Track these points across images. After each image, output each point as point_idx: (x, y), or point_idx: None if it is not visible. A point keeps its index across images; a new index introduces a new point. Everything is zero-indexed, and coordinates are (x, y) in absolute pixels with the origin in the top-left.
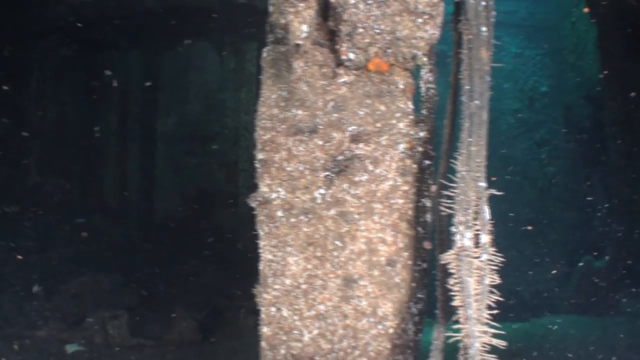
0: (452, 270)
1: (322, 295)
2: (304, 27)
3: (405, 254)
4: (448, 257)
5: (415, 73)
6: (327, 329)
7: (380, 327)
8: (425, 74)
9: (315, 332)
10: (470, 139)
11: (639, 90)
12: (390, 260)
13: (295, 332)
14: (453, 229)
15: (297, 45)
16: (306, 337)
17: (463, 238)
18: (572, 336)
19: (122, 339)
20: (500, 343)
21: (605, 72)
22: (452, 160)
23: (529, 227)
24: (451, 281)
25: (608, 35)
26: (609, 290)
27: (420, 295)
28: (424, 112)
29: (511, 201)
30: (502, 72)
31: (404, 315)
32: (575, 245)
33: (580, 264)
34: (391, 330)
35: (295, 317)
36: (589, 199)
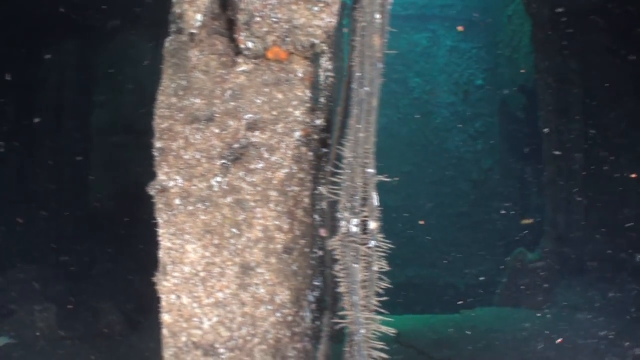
0: (337, 257)
1: (220, 283)
2: (198, 16)
3: (302, 241)
4: (333, 243)
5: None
6: (226, 316)
7: (278, 314)
8: (325, 62)
9: (215, 319)
10: (359, 126)
11: (571, 83)
12: (286, 247)
13: (195, 319)
14: (338, 215)
15: (192, 34)
16: (206, 325)
17: (349, 224)
18: (500, 328)
19: (51, 331)
20: (390, 330)
21: (539, 64)
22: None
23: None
24: (337, 267)
25: (542, 28)
26: (544, 283)
27: (317, 283)
28: (322, 100)
29: (446, 194)
30: (437, 66)
31: (301, 302)
32: (510, 238)
33: (512, 256)
34: (289, 318)
35: (195, 305)
36: (524, 191)
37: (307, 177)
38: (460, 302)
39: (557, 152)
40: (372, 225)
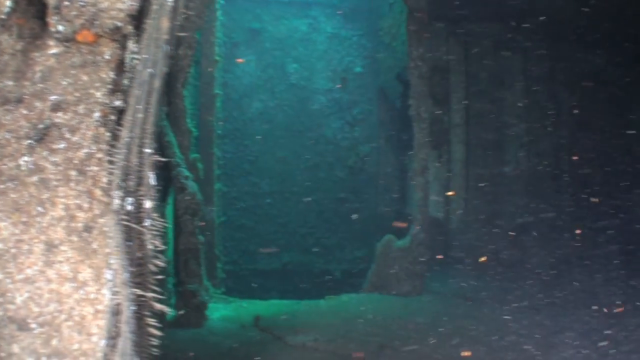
0: (110, 235)
1: (29, 260)
2: (8, 2)
3: (101, 220)
4: (107, 221)
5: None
6: (35, 292)
7: (82, 292)
8: (131, 45)
9: (26, 295)
10: (139, 107)
11: (441, 72)
12: (87, 226)
13: (9, 294)
14: (112, 194)
15: (2, 19)
16: (18, 300)
17: (123, 203)
18: (361, 314)
19: None
20: (164, 309)
21: (412, 52)
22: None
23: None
24: (110, 245)
25: (415, 16)
26: (413, 270)
27: (113, 262)
28: (125, 81)
29: (322, 180)
30: (316, 52)
31: (102, 280)
32: (387, 224)
33: (380, 243)
34: (92, 296)
35: (8, 280)
36: (399, 178)
37: (105, 157)
38: (329, 289)
39: (426, 140)
40: (147, 204)
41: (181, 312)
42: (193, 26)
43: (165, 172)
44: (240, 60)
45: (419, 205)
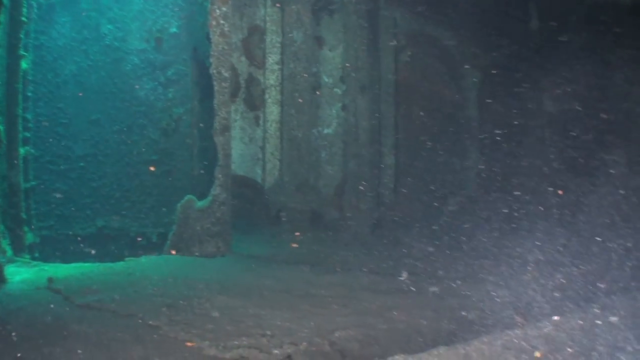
0: None
1: None
2: None
3: None
4: None
5: None
6: None
7: None
8: None
9: None
10: None
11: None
12: None
13: None
14: None
15: None
16: None
17: None
18: (157, 275)
19: None
20: None
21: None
22: None
23: (152, 168)
24: None
25: None
26: (216, 229)
27: None
28: None
29: (136, 142)
30: (131, 13)
31: None
32: (202, 186)
33: (181, 204)
34: None
35: None
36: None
37: None
38: (146, 251)
39: (226, 99)
40: None
41: None
42: None
43: None
44: None
45: (220, 165)
